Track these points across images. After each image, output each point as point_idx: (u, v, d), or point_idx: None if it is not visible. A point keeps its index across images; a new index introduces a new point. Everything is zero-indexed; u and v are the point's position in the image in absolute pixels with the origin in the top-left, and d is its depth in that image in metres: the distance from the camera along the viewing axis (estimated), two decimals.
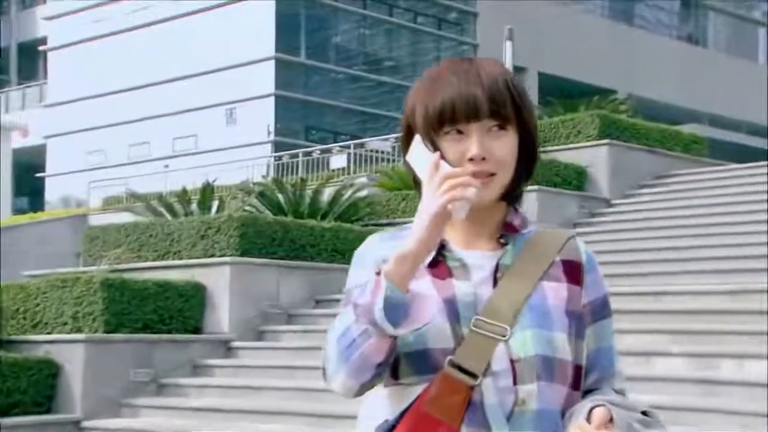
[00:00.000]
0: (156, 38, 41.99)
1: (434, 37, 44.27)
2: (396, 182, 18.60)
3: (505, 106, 2.29)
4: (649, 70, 48.78)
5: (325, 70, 41.56)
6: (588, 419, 2.18)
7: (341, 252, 15.42)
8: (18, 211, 37.25)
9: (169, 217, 17.22)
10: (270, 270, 14.99)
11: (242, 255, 14.80)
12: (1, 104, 48.79)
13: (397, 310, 2.13)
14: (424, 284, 2.25)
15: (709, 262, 14.33)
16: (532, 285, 2.30)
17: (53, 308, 13.62)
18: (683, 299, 12.72)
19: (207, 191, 18.13)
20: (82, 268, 16.42)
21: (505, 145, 2.30)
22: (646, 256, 15.46)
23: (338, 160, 25.27)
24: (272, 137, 38.51)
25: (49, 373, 13.05)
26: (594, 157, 19.51)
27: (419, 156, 2.30)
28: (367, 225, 17.17)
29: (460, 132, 2.29)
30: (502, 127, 2.30)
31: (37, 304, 13.79)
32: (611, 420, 2.16)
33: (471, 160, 2.27)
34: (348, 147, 25.89)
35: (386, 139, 24.82)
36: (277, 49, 39.32)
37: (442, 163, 2.22)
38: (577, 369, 2.31)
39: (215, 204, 17.78)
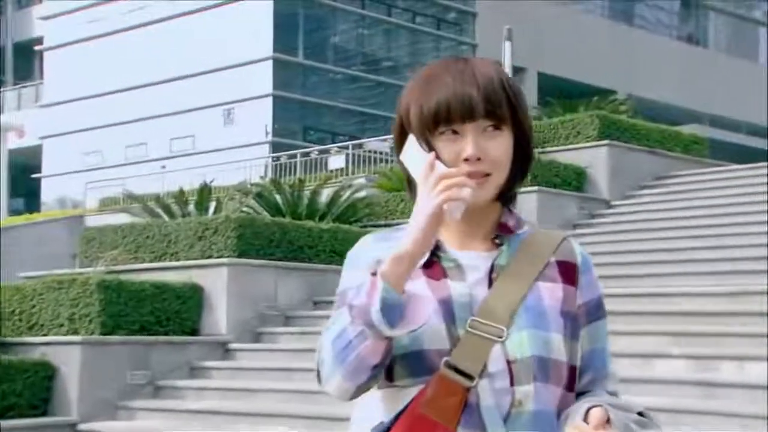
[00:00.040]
0: (153, 38, 41.92)
1: (433, 37, 44.22)
2: (395, 183, 18.54)
3: (500, 106, 2.29)
4: (649, 71, 48.74)
5: (323, 70, 41.51)
6: (585, 420, 2.17)
7: (339, 253, 15.34)
8: (14, 212, 37.13)
9: (166, 218, 17.18)
10: (268, 271, 14.97)
11: (240, 256, 14.77)
12: None
13: (393, 311, 2.12)
14: (418, 285, 2.24)
15: (709, 264, 14.32)
16: (527, 285, 2.29)
17: (49, 310, 13.58)
18: (683, 301, 12.70)
19: (204, 192, 18.08)
20: (78, 270, 16.40)
21: (500, 146, 2.30)
22: (646, 258, 15.43)
23: (336, 161, 25.24)
24: (270, 138, 38.46)
25: (45, 376, 13.00)
26: (594, 157, 19.48)
27: (413, 156, 2.29)
28: (365, 226, 17.11)
29: (455, 132, 2.28)
30: (497, 127, 2.30)
31: (33, 306, 13.76)
32: (608, 420, 2.15)
33: (466, 160, 2.26)
34: (346, 147, 25.88)
35: (385, 140, 24.77)
36: (275, 49, 39.26)
37: (437, 163, 2.22)
38: (572, 370, 2.31)
39: (213, 205, 17.74)
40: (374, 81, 41.66)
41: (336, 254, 15.44)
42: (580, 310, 2.35)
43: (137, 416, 13.09)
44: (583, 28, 47.71)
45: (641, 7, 52.64)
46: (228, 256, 14.73)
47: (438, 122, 2.28)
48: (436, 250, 2.32)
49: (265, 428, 11.75)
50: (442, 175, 2.17)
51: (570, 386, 2.31)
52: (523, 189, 16.30)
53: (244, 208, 17.45)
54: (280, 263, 15.13)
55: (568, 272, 2.36)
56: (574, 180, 19.20)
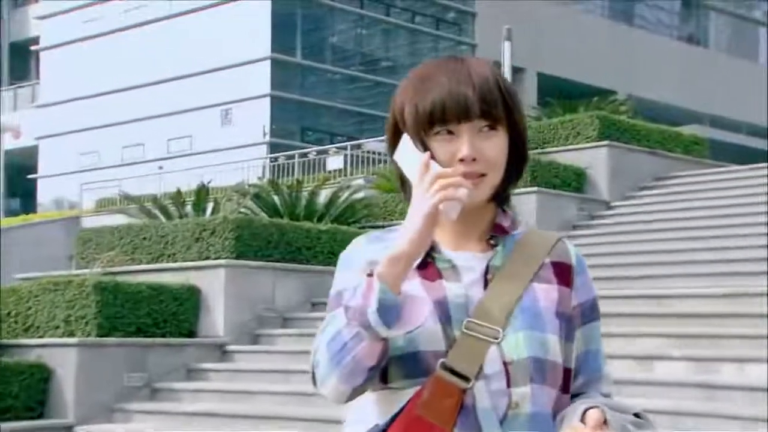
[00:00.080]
0: (150, 38, 41.83)
1: (432, 37, 44.15)
2: (393, 184, 18.41)
3: (495, 107, 2.28)
4: (649, 71, 48.72)
5: (321, 70, 41.44)
6: (582, 421, 2.16)
7: (338, 254, 15.19)
8: (10, 213, 37.08)
9: (163, 219, 17.15)
10: (265, 273, 14.94)
11: (237, 257, 14.74)
12: None
13: (390, 312, 2.11)
14: (414, 286, 2.23)
15: (709, 265, 14.30)
16: (522, 287, 2.29)
17: (45, 312, 13.54)
18: (683, 302, 12.69)
19: (202, 193, 18.04)
20: (74, 271, 16.39)
21: (495, 146, 2.29)
22: (646, 259, 15.42)
23: (335, 162, 25.24)
24: (268, 138, 38.39)
25: (41, 378, 12.97)
26: (593, 158, 19.45)
27: (408, 155, 2.28)
28: (364, 227, 17.06)
29: (450, 132, 2.28)
30: (492, 127, 2.29)
31: (29, 308, 13.72)
32: (605, 422, 2.15)
33: (462, 160, 2.25)
34: (345, 148, 25.88)
35: (383, 141, 24.68)
36: (272, 49, 39.18)
37: (433, 162, 2.21)
38: (567, 372, 2.31)
39: (210, 206, 17.73)
40: (373, 81, 41.58)
41: (334, 255, 15.27)
42: (575, 312, 2.35)
43: (134, 419, 13.04)
44: (583, 28, 47.66)
45: (641, 7, 52.59)
46: (225, 258, 14.70)
47: (433, 122, 2.27)
48: (431, 251, 2.30)
49: (263, 430, 11.69)
50: (437, 174, 2.17)
51: (565, 388, 2.30)
52: (522, 190, 16.31)
53: (242, 209, 17.42)
54: (278, 264, 15.09)
55: (563, 273, 2.36)
56: (574, 181, 19.16)
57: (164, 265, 15.26)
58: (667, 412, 9.50)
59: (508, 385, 2.21)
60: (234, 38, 38.84)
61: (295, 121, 40.25)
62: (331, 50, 42.05)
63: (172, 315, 14.07)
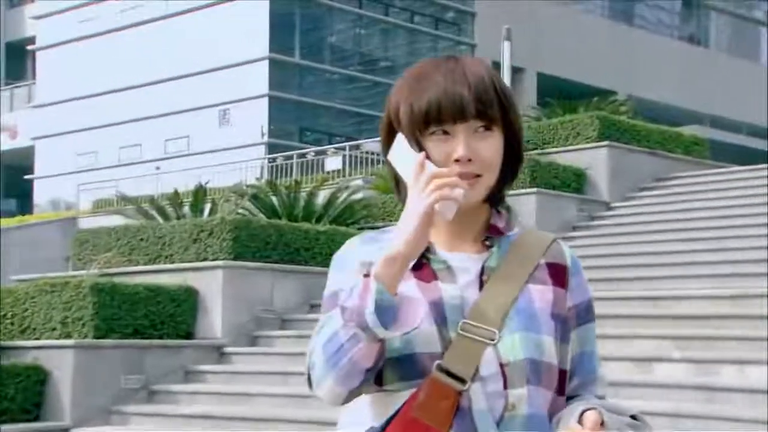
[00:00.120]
0: (147, 37, 41.76)
1: (431, 37, 44.09)
2: (390, 184, 18.41)
3: (491, 107, 2.28)
4: (649, 71, 48.70)
5: (320, 70, 41.37)
6: (580, 422, 2.16)
7: None
8: (6, 214, 37.01)
9: (160, 220, 17.11)
10: (264, 274, 14.91)
11: (235, 259, 14.71)
12: None
13: (387, 313, 2.11)
14: (409, 287, 2.22)
15: (710, 266, 14.30)
16: (518, 288, 2.29)
17: (42, 313, 13.51)
18: (683, 304, 12.68)
19: (199, 194, 17.99)
20: (71, 273, 16.39)
21: (491, 147, 2.29)
22: (646, 260, 15.40)
23: (333, 162, 25.24)
24: (266, 139, 38.34)
25: (38, 380, 12.93)
26: (593, 159, 19.44)
27: (402, 155, 2.28)
28: (362, 228, 17.00)
29: (445, 132, 2.28)
30: (488, 128, 2.29)
31: (26, 309, 13.69)
32: (603, 423, 2.14)
33: (457, 161, 2.25)
34: (343, 149, 25.90)
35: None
36: (271, 49, 39.12)
37: (428, 162, 2.21)
38: (562, 373, 2.31)
39: (208, 207, 17.71)
40: (371, 81, 41.52)
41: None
42: (570, 313, 2.35)
43: (131, 421, 13.01)
44: (583, 28, 47.64)
45: (641, 7, 52.55)
46: (223, 259, 14.68)
47: (428, 122, 2.27)
48: (426, 252, 2.29)
49: None
50: (433, 174, 2.17)
51: (560, 390, 2.31)
52: (522, 190, 16.30)
53: (240, 210, 17.40)
54: (276, 266, 15.07)
55: (558, 274, 2.36)
56: (574, 181, 19.14)
57: (161, 266, 15.24)
58: (666, 414, 9.50)
59: (505, 387, 2.21)
60: (232, 38, 38.79)
61: (294, 121, 40.19)
62: (330, 50, 41.99)
63: (170, 316, 14.04)
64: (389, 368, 2.22)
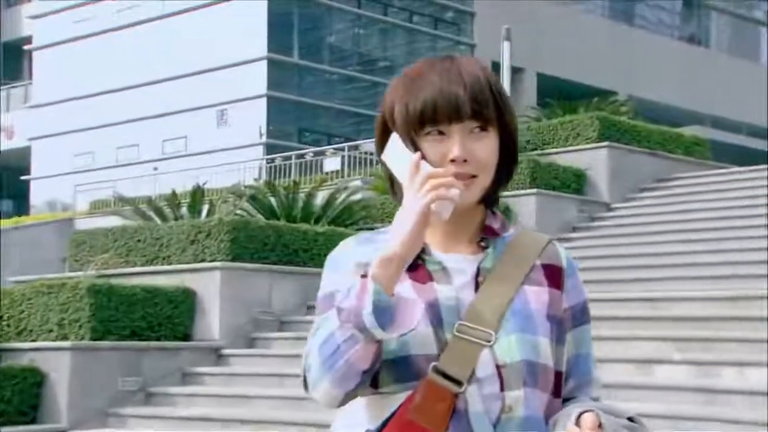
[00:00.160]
0: (145, 37, 41.69)
1: (430, 36, 44.02)
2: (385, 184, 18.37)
3: (487, 107, 2.27)
4: (649, 71, 48.69)
5: (318, 70, 41.31)
6: (577, 424, 2.15)
7: None
8: (2, 215, 36.98)
9: (158, 221, 17.08)
10: (262, 275, 14.89)
11: (233, 260, 14.69)
12: None
13: (384, 313, 2.09)
14: (404, 288, 2.19)
15: (710, 268, 14.30)
16: (514, 289, 2.28)
17: (38, 315, 13.51)
18: (683, 305, 12.66)
19: (197, 194, 17.96)
20: (68, 274, 16.35)
21: (486, 147, 2.29)
22: (646, 261, 15.41)
23: (332, 163, 25.24)
24: (264, 139, 38.28)
25: (34, 382, 12.93)
26: (594, 159, 19.46)
27: (397, 155, 2.27)
28: (361, 229, 16.93)
29: (441, 133, 2.27)
30: (483, 128, 2.28)
31: (22, 311, 13.68)
32: (600, 425, 2.14)
33: (453, 161, 2.24)
34: (342, 149, 25.90)
35: None
36: (269, 49, 39.04)
37: (423, 162, 2.20)
38: (558, 375, 2.30)
39: (206, 208, 17.66)
40: (370, 81, 41.44)
41: None
42: (566, 314, 2.34)
43: (128, 423, 12.98)
44: (583, 28, 47.61)
45: (642, 7, 52.52)
46: (221, 260, 14.66)
47: (424, 122, 2.26)
48: (421, 253, 2.28)
49: None
50: (429, 174, 2.16)
51: (556, 392, 2.30)
52: (522, 191, 16.30)
53: (238, 211, 17.38)
54: (274, 267, 15.05)
55: (554, 276, 2.36)
56: (574, 182, 19.16)
57: (159, 267, 15.23)
58: (666, 417, 9.51)
59: (502, 389, 2.20)
60: (230, 38, 38.74)
61: (292, 121, 40.14)
62: (329, 50, 41.93)
63: (167, 318, 14.03)
64: (385, 370, 2.20)
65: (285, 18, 39.79)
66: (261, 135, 38.40)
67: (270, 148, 36.04)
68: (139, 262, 15.70)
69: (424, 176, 2.15)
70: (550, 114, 23.69)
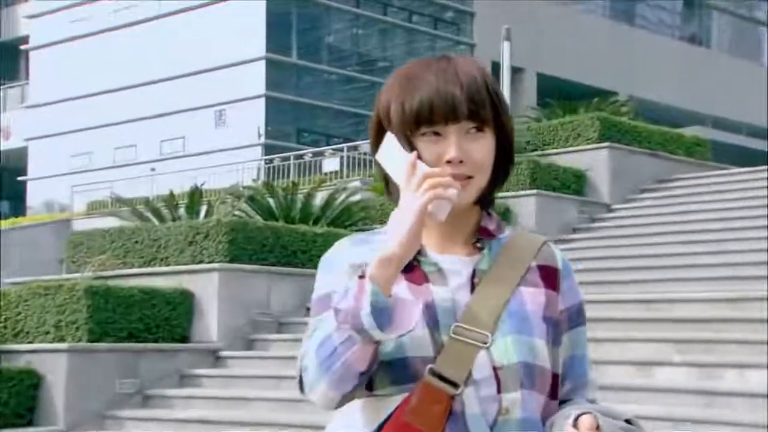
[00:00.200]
0: (143, 37, 41.69)
1: (430, 36, 44.05)
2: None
3: (483, 107, 2.27)
4: (650, 72, 48.70)
5: (317, 70, 41.33)
6: (575, 426, 2.15)
7: None
8: None
9: (155, 222, 17.01)
10: (260, 277, 14.82)
11: (231, 261, 14.62)
12: None
13: (382, 314, 2.09)
14: (401, 290, 2.19)
15: (710, 269, 14.29)
16: (510, 290, 2.28)
17: (35, 317, 13.43)
18: (683, 307, 12.63)
19: (195, 195, 17.91)
20: (65, 275, 16.29)
21: (482, 148, 2.29)
22: (647, 263, 15.42)
23: (331, 164, 25.25)
24: (263, 140, 38.30)
25: (31, 384, 12.85)
26: (594, 160, 19.46)
27: (393, 155, 2.27)
28: (360, 230, 16.84)
29: (437, 134, 2.26)
30: (480, 129, 2.28)
31: (19, 313, 13.60)
32: (598, 427, 2.14)
33: (449, 162, 2.24)
34: (341, 150, 25.95)
35: None
36: (267, 49, 39.06)
37: (419, 162, 2.20)
38: (554, 377, 2.31)
39: (204, 209, 17.60)
40: (369, 82, 41.39)
41: None
42: (562, 316, 2.35)
43: (126, 426, 12.92)
44: (583, 28, 47.63)
45: (642, 7, 52.52)
46: (219, 261, 14.59)
47: (420, 122, 2.25)
48: (417, 254, 2.27)
49: None
50: (426, 174, 2.16)
51: (553, 394, 2.30)
52: (521, 192, 16.27)
53: (236, 212, 17.32)
54: (273, 268, 14.99)
55: (550, 277, 2.36)
56: (574, 183, 19.16)
57: (157, 269, 15.17)
58: (667, 419, 9.50)
59: (499, 391, 2.20)
60: (228, 38, 38.74)
61: (291, 122, 40.16)
62: (328, 50, 41.95)
63: (165, 320, 13.97)
64: (381, 372, 2.20)
65: (283, 18, 39.79)
66: (259, 135, 38.40)
67: (268, 149, 36.05)
68: (136, 263, 15.62)
69: (421, 176, 2.15)
70: (550, 114, 23.69)
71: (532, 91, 43.69)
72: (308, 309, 11.94)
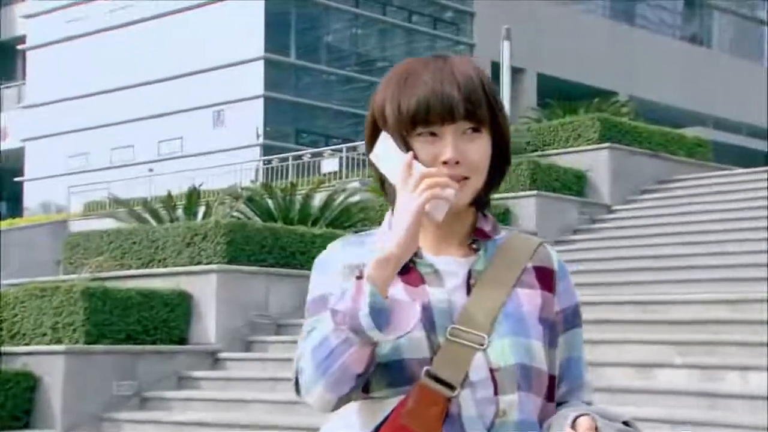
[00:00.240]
0: (140, 37, 41.67)
1: (429, 36, 44.03)
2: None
3: (480, 107, 2.26)
4: (650, 72, 48.70)
5: (316, 70, 41.31)
6: (573, 428, 2.15)
7: None
8: None
9: (153, 223, 17.03)
10: (259, 278, 14.77)
11: (230, 262, 14.58)
12: None
13: (380, 315, 2.08)
14: (397, 291, 2.19)
15: (710, 271, 14.32)
16: (506, 292, 2.28)
17: (32, 318, 13.39)
18: (683, 309, 12.62)
19: (193, 196, 17.91)
20: (62, 277, 16.26)
21: (479, 149, 2.28)
22: (648, 264, 15.45)
23: (330, 164, 25.26)
24: (261, 140, 38.29)
25: (27, 386, 12.82)
26: (594, 161, 19.48)
27: (387, 155, 2.26)
28: (359, 231, 16.80)
29: (433, 134, 2.25)
30: (476, 129, 2.27)
31: (15, 315, 13.55)
32: (596, 429, 2.13)
33: (445, 163, 2.23)
34: (340, 150, 25.96)
35: None
36: (266, 49, 39.04)
37: (416, 162, 2.20)
38: (551, 379, 2.30)
39: (202, 210, 17.59)
40: (369, 82, 41.31)
41: None
42: (558, 317, 2.34)
43: (123, 428, 12.88)
44: (583, 28, 47.64)
45: (643, 7, 52.52)
46: (218, 263, 14.54)
47: (416, 123, 2.24)
48: (413, 255, 2.24)
49: None
50: (423, 174, 2.15)
51: (550, 396, 2.29)
52: (522, 193, 16.25)
53: (235, 213, 17.30)
54: (271, 269, 14.94)
55: (546, 278, 2.35)
56: (575, 184, 19.18)
57: (154, 270, 15.12)
58: (668, 421, 9.48)
59: (496, 393, 2.19)
60: (227, 37, 38.72)
61: (289, 122, 40.13)
62: (326, 50, 41.92)
63: (163, 322, 13.91)
64: (377, 375, 2.19)
65: (282, 18, 39.76)
66: (258, 136, 38.38)
67: (267, 150, 36.04)
68: (134, 264, 15.59)
69: (418, 176, 2.14)
70: (550, 115, 23.74)
71: (532, 92, 43.73)
72: None
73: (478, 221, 2.36)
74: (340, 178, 22.98)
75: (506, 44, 23.37)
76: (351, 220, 17.79)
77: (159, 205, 18.02)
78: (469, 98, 2.24)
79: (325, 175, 23.83)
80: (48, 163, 43.27)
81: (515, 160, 18.21)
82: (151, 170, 31.75)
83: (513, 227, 16.54)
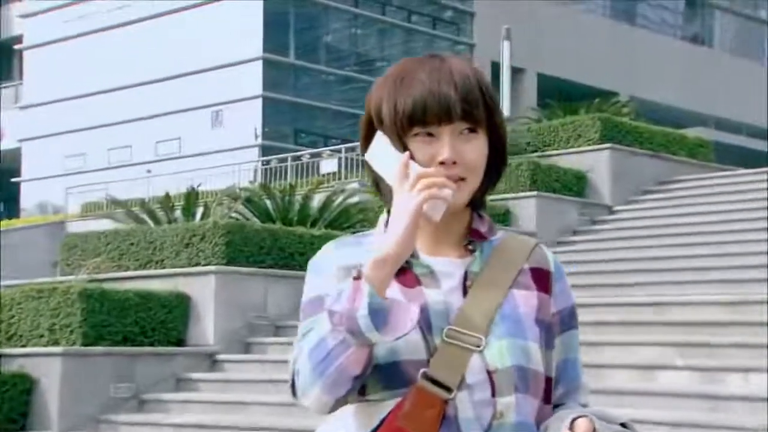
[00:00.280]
0: (138, 37, 41.70)
1: (429, 36, 44.06)
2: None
3: (477, 107, 2.26)
4: (651, 72, 48.72)
5: (315, 71, 41.33)
6: (571, 429, 2.14)
7: None
8: None
9: (151, 224, 17.01)
10: (257, 279, 14.74)
11: (228, 264, 14.54)
12: None
13: (378, 316, 2.07)
14: (393, 292, 2.16)
15: (711, 272, 14.37)
16: (502, 293, 2.27)
17: (29, 320, 13.34)
18: (683, 310, 12.61)
19: (191, 197, 17.86)
20: (59, 278, 16.21)
21: (476, 149, 2.28)
22: (648, 265, 15.46)
23: (329, 165, 25.28)
24: (260, 141, 38.31)
25: (24, 389, 12.76)
26: (595, 161, 19.50)
27: (383, 155, 2.25)
28: (358, 232, 16.76)
29: (429, 134, 2.25)
30: (473, 129, 2.27)
31: (12, 316, 13.51)
32: (594, 431, 2.12)
33: (442, 163, 2.23)
34: (339, 151, 25.96)
35: None
36: (265, 49, 39.07)
37: (412, 163, 2.19)
38: (548, 381, 2.30)
39: (200, 210, 17.57)
40: (368, 82, 41.18)
41: None
42: (554, 319, 2.34)
43: (121, 430, 12.85)
44: (583, 28, 47.66)
45: (644, 7, 52.54)
46: (216, 264, 14.51)
47: (413, 123, 2.24)
48: (409, 257, 2.22)
49: None
50: (420, 174, 2.15)
51: (546, 398, 2.29)
52: (522, 194, 16.22)
53: (233, 214, 17.26)
54: (270, 271, 14.89)
55: (542, 279, 2.35)
56: (575, 185, 19.20)
57: (152, 271, 15.09)
58: (669, 423, 9.45)
59: (493, 395, 2.19)
60: (225, 37, 38.74)
61: (288, 123, 40.13)
62: (326, 50, 41.94)
63: (161, 323, 13.87)
64: (373, 377, 2.18)
65: (281, 17, 39.77)
66: (256, 136, 38.39)
67: (266, 150, 36.06)
68: (132, 266, 15.56)
69: (415, 176, 2.14)
70: (550, 115, 23.72)
71: (533, 92, 43.78)
72: None
73: (473, 222, 2.36)
74: (339, 178, 22.97)
75: (506, 44, 23.39)
76: (350, 221, 17.75)
77: (157, 206, 17.98)
78: (467, 98, 2.23)
79: (324, 175, 23.84)
80: (45, 163, 43.28)
81: (515, 160, 18.19)
82: (149, 171, 31.83)
83: (513, 228, 16.53)
